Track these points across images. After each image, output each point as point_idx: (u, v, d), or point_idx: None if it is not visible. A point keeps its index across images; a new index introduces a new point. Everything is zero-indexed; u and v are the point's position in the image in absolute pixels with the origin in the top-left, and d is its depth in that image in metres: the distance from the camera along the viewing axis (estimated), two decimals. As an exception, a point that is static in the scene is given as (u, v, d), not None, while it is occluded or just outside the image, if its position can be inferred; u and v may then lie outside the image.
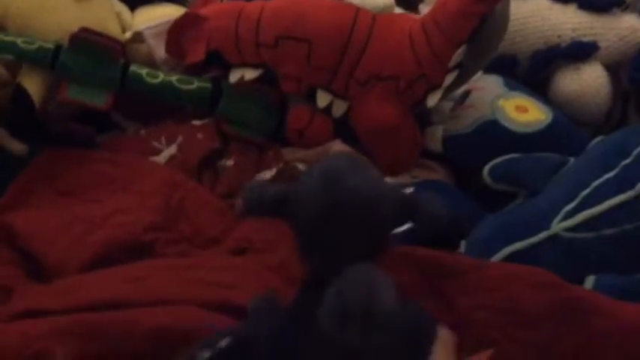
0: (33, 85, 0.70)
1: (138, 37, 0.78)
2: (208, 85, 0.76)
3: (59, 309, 0.51)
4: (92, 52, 0.69)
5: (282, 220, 0.46)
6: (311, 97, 0.75)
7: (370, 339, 0.36)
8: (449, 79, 0.67)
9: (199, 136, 0.75)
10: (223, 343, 0.40)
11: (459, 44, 0.65)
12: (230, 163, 0.74)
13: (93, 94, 0.70)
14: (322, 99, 0.74)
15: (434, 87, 0.69)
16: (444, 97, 0.71)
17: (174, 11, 0.87)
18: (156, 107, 0.81)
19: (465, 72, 0.68)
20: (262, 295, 0.45)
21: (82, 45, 0.69)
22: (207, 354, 0.39)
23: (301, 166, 0.74)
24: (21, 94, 0.69)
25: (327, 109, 0.74)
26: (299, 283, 0.55)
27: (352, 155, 0.48)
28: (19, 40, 0.69)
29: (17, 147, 0.74)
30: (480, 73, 0.79)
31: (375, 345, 0.37)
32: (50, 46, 0.70)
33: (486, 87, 0.79)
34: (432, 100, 0.70)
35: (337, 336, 0.36)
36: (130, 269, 0.58)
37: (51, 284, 0.56)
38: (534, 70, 0.84)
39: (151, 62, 0.79)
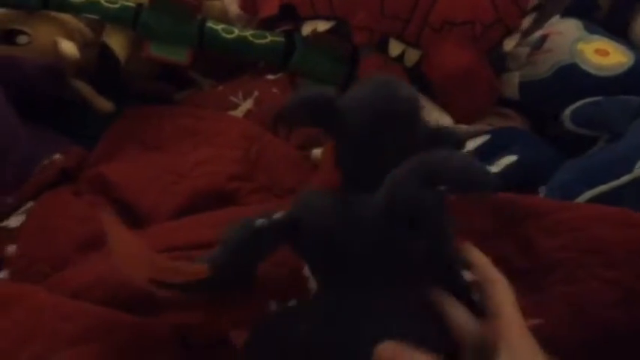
0: (117, 43, 0.73)
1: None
2: (281, 39, 0.77)
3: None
4: (171, 9, 0.72)
5: (323, 128, 0.44)
6: (382, 47, 0.75)
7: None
8: (526, 22, 0.66)
9: (274, 90, 0.76)
10: (278, 215, 0.42)
11: (537, -15, 0.64)
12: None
13: (174, 51, 0.73)
14: (395, 48, 0.74)
15: (510, 31, 0.68)
16: (520, 42, 0.69)
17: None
18: (230, 63, 0.83)
19: (542, 14, 0.67)
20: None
21: (162, 3, 0.71)
22: (262, 221, 0.41)
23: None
24: (107, 52, 0.73)
25: (399, 58, 0.74)
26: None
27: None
28: (102, 0, 0.72)
29: (104, 104, 0.78)
30: (557, 17, 0.77)
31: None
32: (132, 4, 0.72)
33: (564, 31, 0.77)
34: (509, 45, 0.68)
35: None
36: (215, 216, 0.61)
37: (145, 231, 0.60)
38: (615, 13, 0.81)
39: (224, 19, 0.81)
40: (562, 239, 0.50)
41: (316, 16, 0.75)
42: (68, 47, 0.70)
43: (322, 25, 0.75)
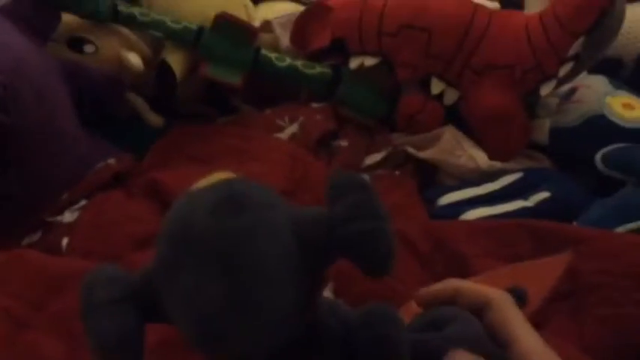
0: (176, 61, 0.77)
1: (266, 25, 0.85)
2: (329, 70, 0.82)
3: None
4: (232, 33, 0.77)
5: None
6: (424, 85, 0.80)
7: None
8: (564, 69, 0.71)
9: (318, 117, 0.81)
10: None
11: (577, 35, 0.69)
12: (344, 143, 0.80)
13: (229, 73, 0.77)
14: (436, 86, 0.78)
15: (548, 77, 0.73)
16: (556, 88, 0.74)
17: (293, 7, 0.95)
18: (273, 92, 0.88)
19: (579, 64, 0.72)
20: None
21: (224, 26, 0.76)
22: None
23: (410, 149, 0.79)
24: (165, 69, 0.77)
25: (439, 96, 0.79)
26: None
27: None
28: (167, 20, 0.77)
29: (155, 119, 0.82)
30: (585, 73, 0.82)
31: None
32: (194, 27, 0.77)
33: (593, 85, 0.82)
34: (545, 90, 0.73)
35: None
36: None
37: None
38: (639, 72, 0.87)
39: (274, 50, 0.86)
40: (601, 263, 0.53)
41: (364, 52, 0.80)
42: (134, 59, 0.74)
43: (369, 61, 0.80)
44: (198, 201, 0.30)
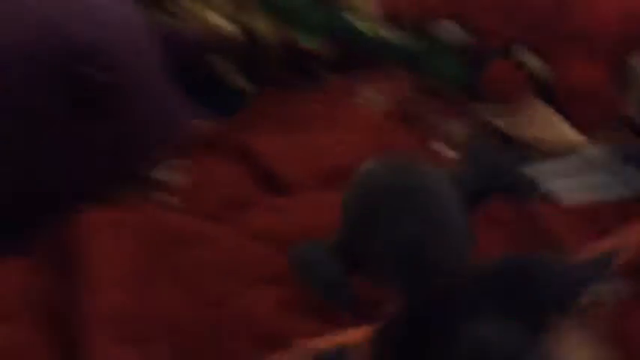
0: (265, 27, 0.78)
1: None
2: (413, 40, 0.81)
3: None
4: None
5: None
6: (508, 53, 0.78)
7: None
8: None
9: (397, 85, 0.81)
10: None
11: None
12: (422, 111, 0.80)
13: (316, 40, 0.78)
14: (521, 55, 0.77)
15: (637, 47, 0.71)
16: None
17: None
18: (356, 61, 0.88)
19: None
20: None
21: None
22: None
23: (499, 122, 0.78)
24: (252, 34, 0.78)
25: (524, 65, 0.78)
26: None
27: None
28: None
29: (242, 83, 0.82)
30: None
31: None
32: None
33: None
34: (635, 60, 0.71)
35: None
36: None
37: (291, 197, 0.64)
38: None
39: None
40: None
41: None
42: (220, 22, 0.75)
43: (452, 29, 0.79)
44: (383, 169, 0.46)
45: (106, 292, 0.48)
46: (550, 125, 0.75)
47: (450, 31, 0.80)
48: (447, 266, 0.40)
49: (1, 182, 0.58)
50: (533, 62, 0.78)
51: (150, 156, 0.69)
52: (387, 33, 0.80)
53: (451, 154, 0.74)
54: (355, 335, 0.42)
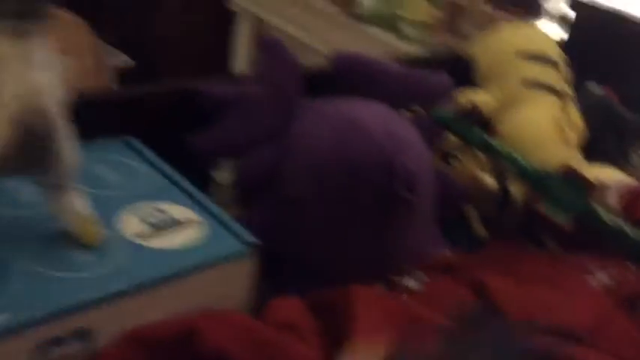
0: (519, 191, 0.93)
1: (602, 186, 0.97)
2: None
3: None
4: (574, 185, 0.90)
5: None
6: None
7: None
8: None
9: (630, 275, 0.89)
10: None
11: None
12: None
13: (560, 215, 0.90)
14: None
15: None
16: None
17: (623, 176, 1.06)
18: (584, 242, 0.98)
19: None
20: None
21: (571, 179, 0.90)
22: None
23: None
24: (507, 196, 0.93)
25: None
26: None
27: None
28: (519, 156, 0.94)
29: (481, 230, 0.98)
30: None
31: None
32: (542, 171, 0.93)
33: None
34: None
35: None
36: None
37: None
38: None
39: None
40: None
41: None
42: (490, 182, 0.92)
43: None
44: None
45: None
46: None
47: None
48: None
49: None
50: None
51: (403, 263, 0.85)
52: (626, 227, 0.90)
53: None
54: None
